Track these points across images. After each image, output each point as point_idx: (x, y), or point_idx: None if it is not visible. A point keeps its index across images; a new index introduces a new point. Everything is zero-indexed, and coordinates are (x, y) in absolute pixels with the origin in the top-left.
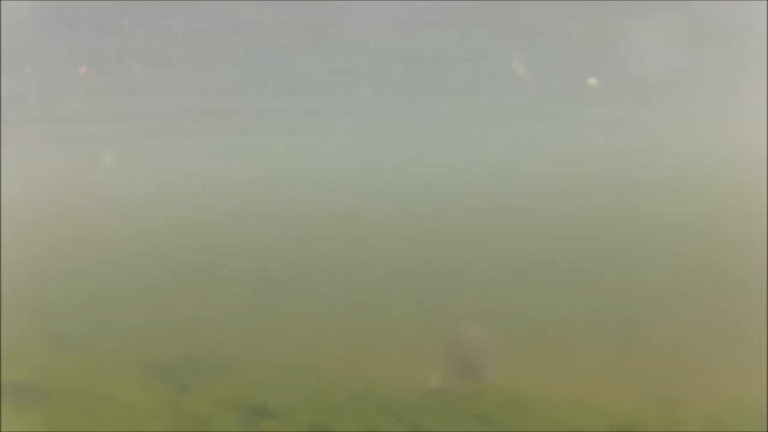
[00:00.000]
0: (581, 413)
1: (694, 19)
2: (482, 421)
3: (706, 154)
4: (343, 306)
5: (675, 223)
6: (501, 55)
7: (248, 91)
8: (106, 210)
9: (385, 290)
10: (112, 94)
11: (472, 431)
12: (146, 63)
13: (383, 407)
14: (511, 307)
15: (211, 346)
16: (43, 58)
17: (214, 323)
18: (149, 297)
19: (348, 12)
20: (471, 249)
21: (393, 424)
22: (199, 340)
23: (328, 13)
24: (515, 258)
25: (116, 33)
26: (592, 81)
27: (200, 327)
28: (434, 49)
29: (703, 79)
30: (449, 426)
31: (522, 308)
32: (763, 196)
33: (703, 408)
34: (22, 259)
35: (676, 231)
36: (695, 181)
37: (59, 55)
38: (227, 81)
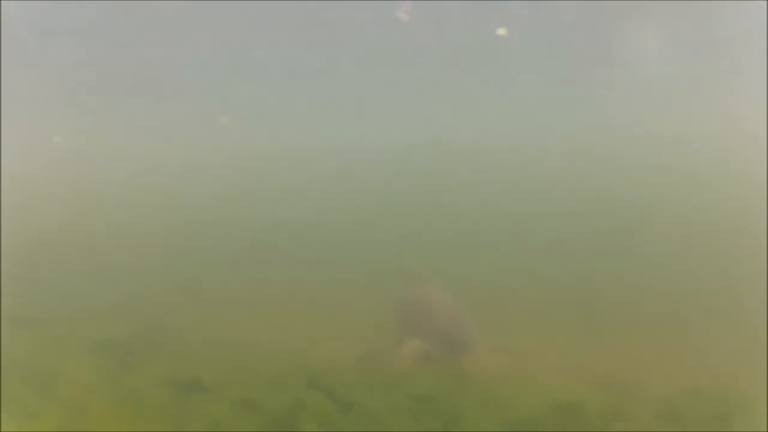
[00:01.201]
0: (525, 392)
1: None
2: (415, 399)
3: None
4: (291, 279)
5: (657, 208)
6: None
7: None
8: (60, 190)
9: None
10: None
11: (401, 408)
12: None
13: (316, 382)
14: (469, 277)
15: (162, 323)
16: None
17: (168, 301)
18: (105, 276)
19: None
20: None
21: (321, 399)
22: (152, 317)
23: None
24: (479, 228)
25: None
26: (501, 31)
27: (154, 305)
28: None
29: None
30: (380, 403)
31: (480, 279)
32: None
33: (659, 393)
34: None
35: (658, 215)
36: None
37: None
38: None
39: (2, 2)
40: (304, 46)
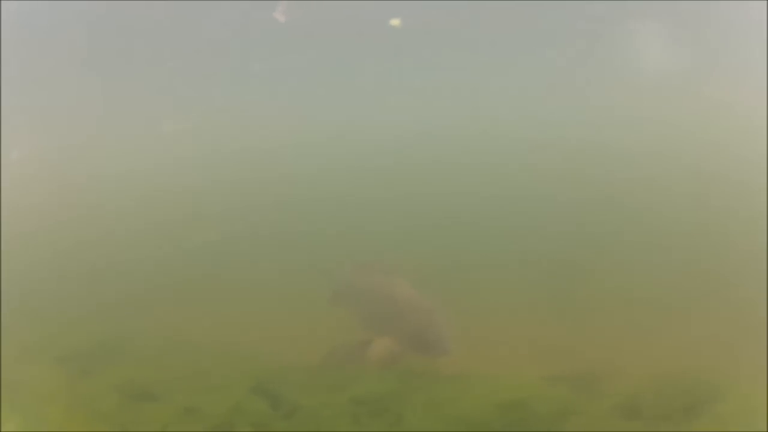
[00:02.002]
0: (473, 390)
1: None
2: (357, 402)
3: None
4: (250, 278)
5: (639, 193)
6: None
7: None
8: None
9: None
10: None
11: (342, 413)
12: None
13: (262, 387)
14: (436, 269)
15: (125, 332)
16: None
17: (128, 307)
18: (71, 285)
19: None
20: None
21: (262, 405)
22: (116, 326)
23: None
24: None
25: None
26: (395, 22)
27: (118, 314)
28: None
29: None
30: (323, 408)
31: (447, 270)
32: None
33: (623, 385)
34: None
35: (641, 200)
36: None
37: None
38: None
39: (2, 2)
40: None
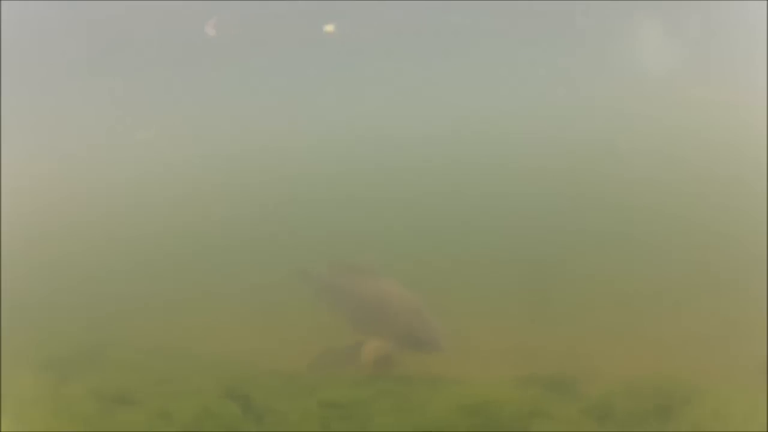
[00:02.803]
0: (438, 393)
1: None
2: (325, 406)
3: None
4: (234, 284)
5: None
6: None
7: None
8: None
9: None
10: None
11: (311, 417)
12: None
13: (235, 390)
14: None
15: (109, 338)
16: None
17: (112, 318)
18: (52, 295)
19: None
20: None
21: (232, 408)
22: (101, 332)
23: None
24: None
25: None
26: (329, 28)
27: (103, 320)
28: None
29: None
30: (292, 412)
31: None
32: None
33: (594, 389)
34: None
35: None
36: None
37: None
38: None
39: (2, 2)
40: None
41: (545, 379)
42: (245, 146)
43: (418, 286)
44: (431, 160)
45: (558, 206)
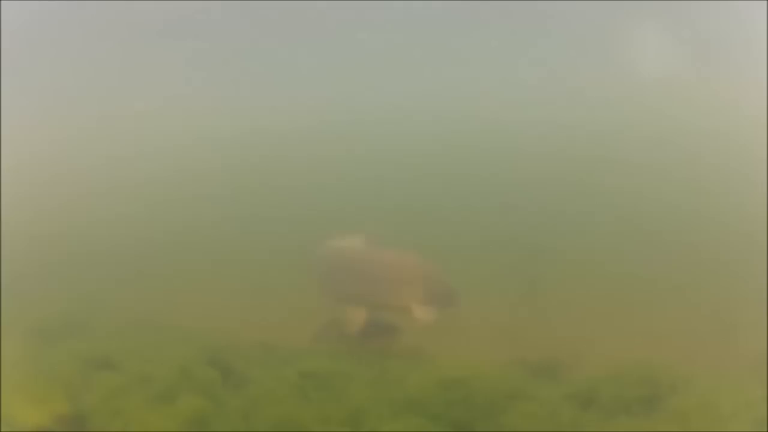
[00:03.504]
0: (418, 368)
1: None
2: (304, 376)
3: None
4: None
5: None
6: None
7: None
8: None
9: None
10: None
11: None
12: None
13: (216, 359)
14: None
15: (97, 308)
16: None
17: (107, 287)
18: (43, 258)
19: None
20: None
21: (212, 374)
22: (90, 302)
23: None
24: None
25: None
26: None
27: (93, 291)
28: None
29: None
30: (271, 381)
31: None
32: None
33: (580, 374)
34: None
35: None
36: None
37: None
38: None
39: (2, 2)
40: None
41: (530, 362)
42: (237, 127)
43: None
44: (427, 146)
45: (550, 194)
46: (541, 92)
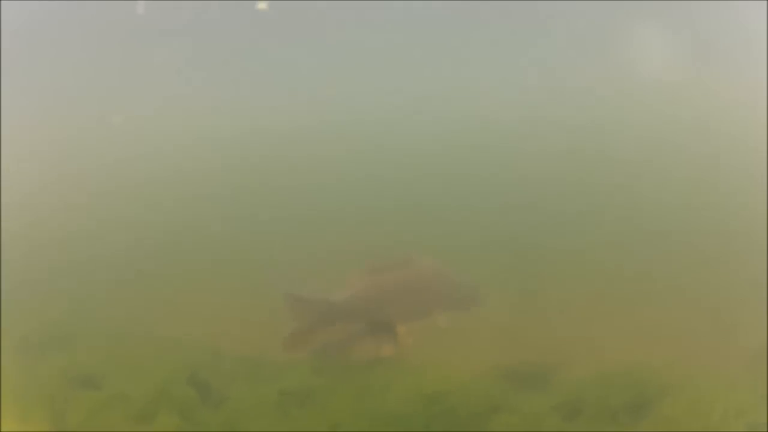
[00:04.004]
0: (400, 381)
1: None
2: (284, 393)
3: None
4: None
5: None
6: None
7: None
8: None
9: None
10: None
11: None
12: None
13: (197, 377)
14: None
15: (85, 321)
16: None
17: (84, 303)
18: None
19: None
20: None
21: (191, 393)
22: (78, 315)
23: None
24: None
25: None
26: (262, 5)
27: (81, 304)
28: None
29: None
30: (250, 398)
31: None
32: None
33: (566, 383)
34: None
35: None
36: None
37: None
38: None
39: (2, 2)
40: None
41: (515, 370)
42: (237, 127)
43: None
44: (426, 145)
45: (550, 193)
46: (540, 92)
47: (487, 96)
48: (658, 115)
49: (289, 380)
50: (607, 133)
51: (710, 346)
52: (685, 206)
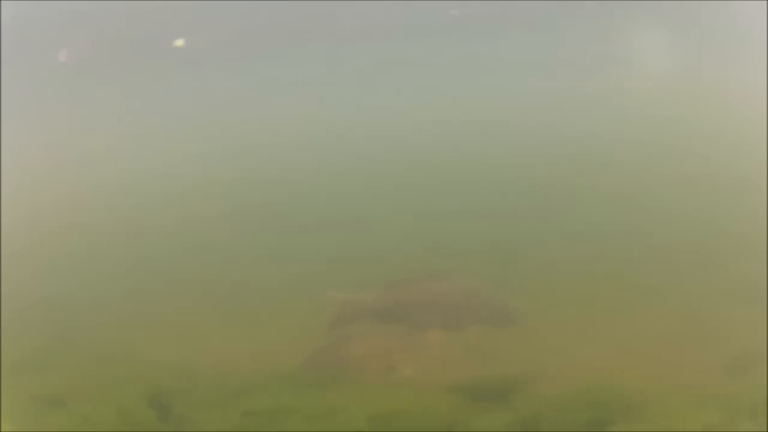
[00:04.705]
0: (354, 400)
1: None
2: (246, 414)
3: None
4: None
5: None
6: None
7: None
8: None
9: None
10: None
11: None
12: None
13: (159, 398)
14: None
15: (62, 342)
16: None
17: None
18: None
19: None
20: None
21: (150, 415)
22: (58, 336)
23: None
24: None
25: None
26: (179, 43)
27: (60, 324)
28: None
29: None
30: (211, 422)
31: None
32: None
33: (528, 398)
34: None
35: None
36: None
37: None
38: None
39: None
40: None
41: (475, 385)
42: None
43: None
44: (427, 149)
45: (547, 198)
46: (540, 93)
47: (488, 98)
48: (661, 116)
49: (251, 402)
50: (611, 134)
51: (683, 359)
52: (694, 212)
